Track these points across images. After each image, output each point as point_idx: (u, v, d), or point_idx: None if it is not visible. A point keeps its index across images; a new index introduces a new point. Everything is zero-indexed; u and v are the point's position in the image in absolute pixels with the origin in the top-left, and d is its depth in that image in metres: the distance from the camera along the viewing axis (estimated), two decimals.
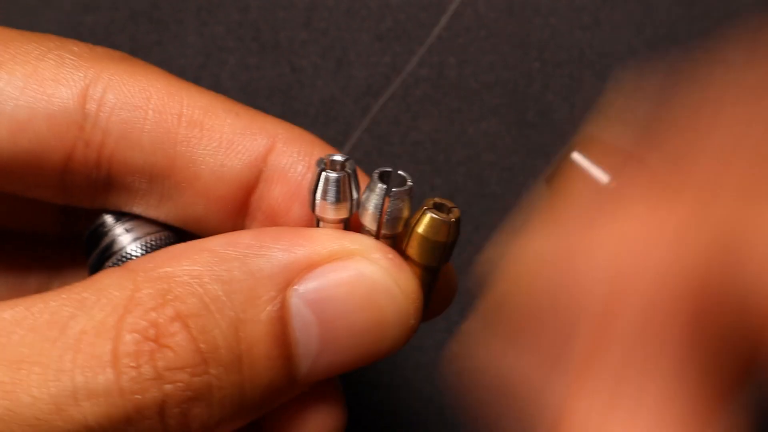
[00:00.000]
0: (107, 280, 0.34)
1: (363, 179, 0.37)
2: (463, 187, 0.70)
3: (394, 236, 0.36)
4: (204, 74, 0.69)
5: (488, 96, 0.70)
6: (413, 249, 0.36)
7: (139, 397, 0.32)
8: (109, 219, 0.40)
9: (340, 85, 0.70)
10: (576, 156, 0.36)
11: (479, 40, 0.71)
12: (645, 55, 0.71)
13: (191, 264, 0.34)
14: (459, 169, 0.70)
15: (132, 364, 0.32)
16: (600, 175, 0.31)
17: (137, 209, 0.40)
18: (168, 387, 0.33)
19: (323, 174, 0.36)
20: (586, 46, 0.71)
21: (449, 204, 0.36)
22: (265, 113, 0.39)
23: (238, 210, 0.39)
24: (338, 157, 0.35)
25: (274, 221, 0.39)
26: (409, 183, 0.36)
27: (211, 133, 0.38)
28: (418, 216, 0.36)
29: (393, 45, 0.70)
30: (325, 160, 0.36)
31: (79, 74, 0.37)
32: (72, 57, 0.38)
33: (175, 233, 0.40)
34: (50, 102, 0.37)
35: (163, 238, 0.40)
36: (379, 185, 0.35)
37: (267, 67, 0.70)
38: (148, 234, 0.40)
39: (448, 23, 0.71)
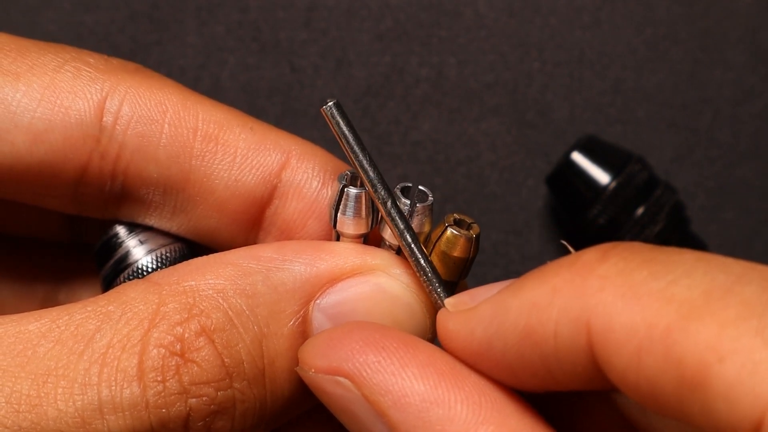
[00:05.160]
0: (132, 293, 0.34)
1: None
2: (463, 187, 0.70)
3: None
4: (204, 74, 0.69)
5: (488, 96, 0.70)
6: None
7: (164, 411, 0.32)
8: (121, 230, 0.40)
9: (340, 85, 0.70)
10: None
11: (479, 40, 0.71)
12: (645, 55, 0.71)
13: (215, 278, 0.34)
14: (459, 169, 0.70)
15: (158, 379, 0.32)
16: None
17: (150, 221, 0.40)
18: (193, 401, 0.33)
19: (345, 190, 0.36)
20: (586, 46, 0.71)
21: (468, 220, 0.36)
22: (279, 128, 0.39)
23: (252, 224, 0.39)
24: None
25: (289, 236, 0.39)
26: (431, 198, 0.36)
27: (226, 148, 0.38)
28: (438, 232, 0.36)
29: (393, 45, 0.70)
30: (346, 176, 0.37)
31: (96, 86, 0.37)
32: (88, 69, 0.37)
33: (188, 245, 0.40)
34: (67, 114, 0.37)
35: (177, 250, 0.40)
36: (402, 200, 0.36)
37: (267, 67, 0.70)
38: (162, 246, 0.39)
39: (448, 23, 0.71)
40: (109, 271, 0.40)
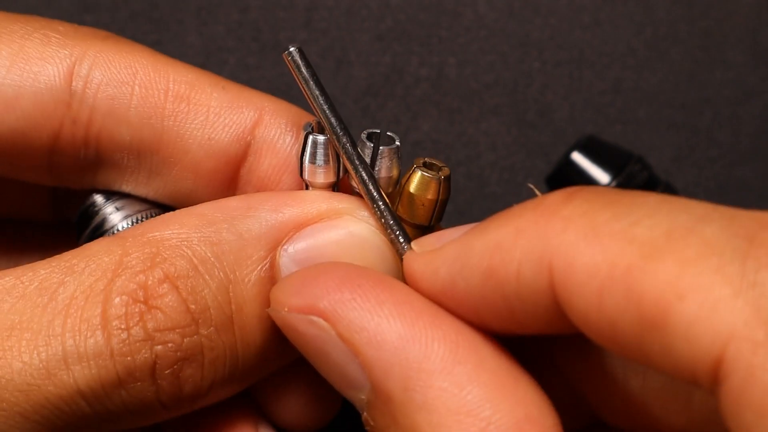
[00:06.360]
0: (96, 246, 0.34)
1: None
2: (463, 187, 0.70)
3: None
4: None
5: (488, 96, 0.70)
6: (404, 207, 0.36)
7: (129, 358, 0.32)
8: (99, 198, 0.40)
9: (340, 85, 0.70)
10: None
11: (479, 40, 0.71)
12: (645, 55, 0.71)
13: (180, 227, 0.34)
14: (459, 169, 0.70)
15: (122, 327, 0.32)
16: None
17: (126, 187, 0.40)
18: (159, 348, 0.33)
19: (310, 137, 0.36)
20: (586, 46, 0.71)
21: (439, 163, 0.36)
22: (251, 87, 0.39)
23: (228, 184, 0.39)
24: None
25: None
26: (397, 142, 0.36)
27: (198, 107, 0.38)
28: (408, 175, 0.36)
29: (393, 45, 0.70)
30: (312, 124, 0.36)
31: (65, 52, 0.37)
32: (57, 36, 0.38)
33: (165, 211, 0.40)
34: (36, 80, 0.37)
35: (153, 215, 0.39)
36: (367, 144, 0.36)
37: (267, 67, 0.70)
38: (139, 212, 0.39)
39: (448, 23, 0.71)
40: (86, 239, 0.39)
